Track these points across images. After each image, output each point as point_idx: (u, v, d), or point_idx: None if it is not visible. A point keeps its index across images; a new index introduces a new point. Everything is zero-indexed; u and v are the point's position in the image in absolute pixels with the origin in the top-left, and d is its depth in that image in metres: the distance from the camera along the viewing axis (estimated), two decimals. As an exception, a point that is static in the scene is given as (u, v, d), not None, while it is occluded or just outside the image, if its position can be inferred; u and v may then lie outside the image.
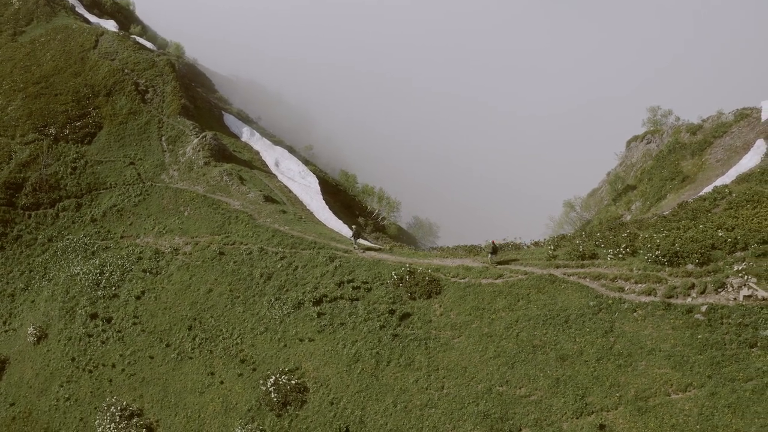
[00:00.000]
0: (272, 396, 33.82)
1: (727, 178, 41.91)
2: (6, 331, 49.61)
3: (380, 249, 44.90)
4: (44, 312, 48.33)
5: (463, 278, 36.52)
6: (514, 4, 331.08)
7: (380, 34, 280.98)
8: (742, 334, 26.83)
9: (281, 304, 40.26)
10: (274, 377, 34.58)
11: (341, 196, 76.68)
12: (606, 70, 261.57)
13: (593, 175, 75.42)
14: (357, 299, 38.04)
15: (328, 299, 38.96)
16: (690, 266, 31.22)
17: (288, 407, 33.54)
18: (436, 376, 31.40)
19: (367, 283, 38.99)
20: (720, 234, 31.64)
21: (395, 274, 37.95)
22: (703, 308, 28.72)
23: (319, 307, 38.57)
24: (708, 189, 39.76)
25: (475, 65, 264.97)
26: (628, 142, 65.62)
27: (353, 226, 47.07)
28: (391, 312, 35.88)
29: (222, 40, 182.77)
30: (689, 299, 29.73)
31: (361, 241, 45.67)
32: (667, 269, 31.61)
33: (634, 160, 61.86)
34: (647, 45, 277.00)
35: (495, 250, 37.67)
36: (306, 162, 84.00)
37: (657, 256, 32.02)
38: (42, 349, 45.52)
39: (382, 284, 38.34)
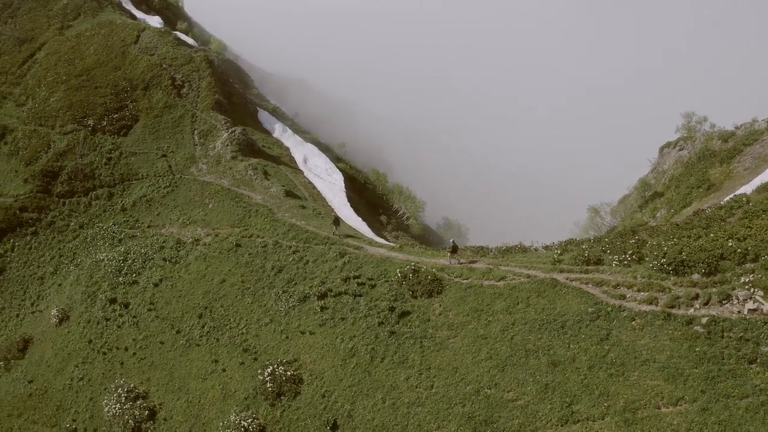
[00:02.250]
0: (268, 386, 34.27)
1: (749, 186, 40.26)
2: (33, 312, 51.71)
3: (360, 238, 46.50)
4: (68, 295, 50.15)
5: (466, 279, 36.15)
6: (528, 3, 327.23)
7: (416, 35, 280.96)
8: (742, 349, 25.67)
9: (288, 297, 40.69)
10: (271, 367, 35.02)
11: (368, 194, 76.93)
12: (647, 70, 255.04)
13: (631, 177, 73.25)
14: (360, 295, 38.11)
15: (332, 294, 39.16)
16: (696, 276, 30.07)
17: (282, 397, 33.93)
18: (427, 375, 31.19)
19: (372, 279, 39.03)
20: (730, 244, 30.34)
21: (399, 272, 37.86)
22: (704, 320, 27.62)
23: (323, 302, 38.81)
24: (729, 197, 38.29)
25: (510, 65, 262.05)
26: (661, 148, 63.76)
27: (333, 214, 48.91)
28: (391, 309, 35.82)
29: (263, 38, 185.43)
30: (692, 310, 28.65)
31: (341, 228, 47.40)
32: (672, 278, 30.52)
33: (665, 166, 60.03)
34: (690, 45, 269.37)
35: (454, 249, 38.68)
36: (338, 160, 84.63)
37: (662, 265, 30.94)
38: (63, 331, 47.23)
39: (386, 281, 38.30)
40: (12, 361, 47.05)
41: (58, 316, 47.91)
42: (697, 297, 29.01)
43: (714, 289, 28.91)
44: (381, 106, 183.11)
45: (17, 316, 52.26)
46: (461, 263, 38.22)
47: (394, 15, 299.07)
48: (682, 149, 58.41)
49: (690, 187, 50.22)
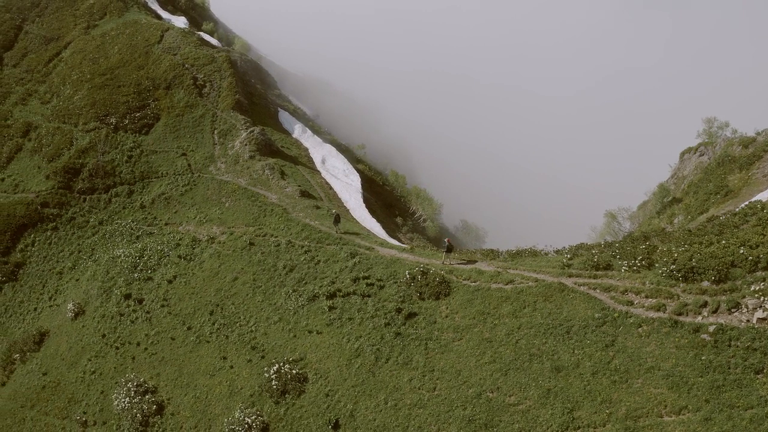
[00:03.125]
0: (273, 384, 34.51)
1: (767, 193, 39.42)
2: (50, 306, 52.74)
3: (361, 235, 47.50)
4: (85, 290, 51.02)
5: (474, 281, 36.01)
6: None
7: (436, 34, 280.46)
8: (749, 359, 25.17)
9: (297, 296, 40.90)
10: (277, 365, 35.26)
11: (386, 195, 77.01)
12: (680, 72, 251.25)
13: (652, 183, 72.14)
14: (369, 296, 38.18)
15: (341, 294, 39.29)
16: (705, 283, 29.55)
17: (286, 395, 34.13)
18: (430, 377, 31.13)
19: (382, 280, 39.07)
20: (742, 251, 29.73)
21: (408, 274, 37.86)
22: (711, 328, 27.13)
23: (331, 301, 38.96)
24: (744, 204, 37.56)
25: (530, 68, 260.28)
26: (682, 154, 62.80)
27: (333, 212, 50.29)
28: (398, 310, 35.84)
29: (288, 38, 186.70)
30: (699, 318, 28.15)
31: (341, 226, 48.39)
32: (681, 285, 30.03)
33: (685, 172, 59.08)
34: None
35: (450, 248, 39.48)
36: (357, 161, 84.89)
37: (672, 271, 30.46)
38: (78, 325, 48.05)
39: (395, 282, 38.33)
40: (28, 353, 48.07)
41: (73, 310, 48.78)
42: (705, 305, 28.52)
43: (723, 297, 28.39)
44: (405, 107, 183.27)
45: (35, 309, 53.41)
46: (457, 264, 38.81)
47: (416, 15, 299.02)
48: (703, 155, 57.48)
49: (708, 193, 49.42)
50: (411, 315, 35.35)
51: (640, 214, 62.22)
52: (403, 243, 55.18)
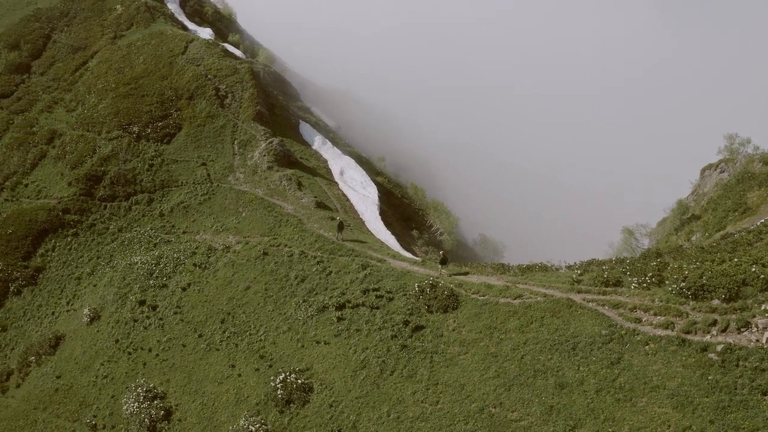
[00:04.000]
0: (278, 393, 34.67)
1: (784, 212, 38.72)
2: (68, 311, 53.66)
3: (364, 242, 48.76)
4: (101, 296, 51.84)
5: (483, 295, 35.86)
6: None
7: (456, 44, 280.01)
8: (757, 380, 24.65)
9: (307, 306, 41.07)
10: (283, 375, 35.43)
11: (404, 208, 77.04)
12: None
13: (672, 200, 70.97)
14: (377, 307, 38.22)
15: (350, 305, 39.37)
16: (716, 302, 29.05)
17: (291, 405, 34.27)
18: (433, 391, 31.01)
19: (391, 292, 39.09)
20: (754, 269, 29.18)
21: (418, 286, 37.86)
22: (719, 347, 26.63)
23: (340, 312, 39.05)
24: (760, 222, 36.89)
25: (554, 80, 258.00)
26: (702, 170, 61.91)
27: (338, 218, 51.77)
28: (406, 323, 35.82)
29: (314, 50, 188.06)
30: (708, 337, 27.65)
31: (344, 234, 49.44)
32: (691, 303, 29.56)
33: (706, 189, 58.25)
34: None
35: (444, 261, 40.62)
36: (377, 173, 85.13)
37: (682, 288, 30.01)
38: (93, 330, 48.82)
39: (404, 295, 38.34)
40: (43, 356, 48.96)
41: (89, 315, 49.57)
42: (714, 323, 28.01)
43: (733, 316, 27.87)
44: (428, 118, 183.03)
45: (53, 313, 54.37)
46: (452, 275, 39.75)
47: (438, 27, 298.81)
48: (723, 171, 56.68)
49: (726, 210, 48.67)
50: (418, 328, 35.32)
51: (659, 230, 61.32)
52: (417, 256, 55.15)
